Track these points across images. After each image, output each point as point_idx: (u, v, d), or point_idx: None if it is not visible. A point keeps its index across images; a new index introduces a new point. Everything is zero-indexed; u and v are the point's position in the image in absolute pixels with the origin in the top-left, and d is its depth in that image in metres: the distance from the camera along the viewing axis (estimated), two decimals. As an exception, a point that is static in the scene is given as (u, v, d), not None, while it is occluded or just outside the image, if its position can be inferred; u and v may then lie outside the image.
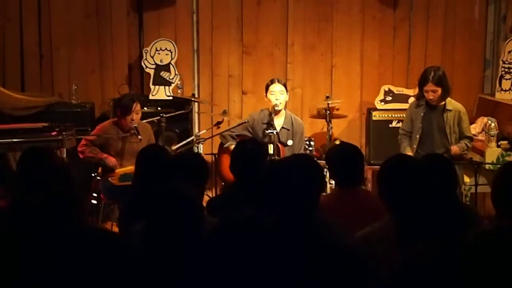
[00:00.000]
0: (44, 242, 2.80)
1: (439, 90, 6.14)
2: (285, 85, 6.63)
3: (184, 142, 6.73)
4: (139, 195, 4.23)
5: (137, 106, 6.36)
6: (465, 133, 6.24)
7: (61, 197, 3.04)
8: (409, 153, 6.19)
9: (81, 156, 6.39)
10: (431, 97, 6.17)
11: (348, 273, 2.55)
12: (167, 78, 7.48)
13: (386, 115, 7.52)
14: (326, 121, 7.00)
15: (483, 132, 6.90)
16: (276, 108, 6.49)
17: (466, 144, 6.21)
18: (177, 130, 7.32)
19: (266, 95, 6.58)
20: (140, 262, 2.84)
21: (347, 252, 2.68)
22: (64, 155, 6.07)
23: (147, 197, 3.15)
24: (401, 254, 2.39)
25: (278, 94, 6.51)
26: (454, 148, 6.09)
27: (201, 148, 6.73)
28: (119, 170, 6.02)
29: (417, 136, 6.28)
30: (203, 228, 3.03)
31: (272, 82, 6.57)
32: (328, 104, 7.04)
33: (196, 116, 7.83)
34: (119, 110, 6.37)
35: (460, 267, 2.23)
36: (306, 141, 6.94)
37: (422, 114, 6.27)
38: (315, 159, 6.17)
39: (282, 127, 6.59)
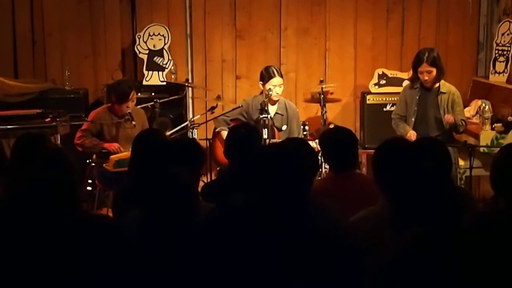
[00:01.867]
0: (41, 228, 2.80)
1: (434, 71, 6.15)
2: (281, 75, 6.62)
3: (178, 127, 6.73)
4: (134, 181, 4.22)
5: (134, 94, 6.35)
6: (459, 116, 6.25)
7: (57, 184, 3.04)
8: (411, 131, 6.18)
9: (80, 149, 6.32)
10: (426, 78, 6.18)
11: (343, 256, 2.56)
12: (161, 64, 7.46)
13: (380, 99, 7.52)
14: (320, 105, 7.00)
15: (477, 115, 6.90)
16: (274, 99, 6.51)
17: (462, 121, 6.22)
18: (171, 116, 7.32)
19: (264, 85, 6.53)
20: (137, 248, 2.84)
21: (342, 236, 2.68)
22: (58, 142, 6.06)
23: (143, 183, 3.15)
24: (396, 238, 2.39)
25: (278, 88, 6.50)
26: (448, 116, 6.07)
27: (195, 134, 6.71)
28: (114, 156, 6.00)
29: (412, 119, 6.29)
30: (198, 214, 3.03)
31: (273, 74, 6.50)
32: (322, 88, 7.03)
33: (190, 101, 7.82)
34: (116, 96, 6.33)
35: (456, 251, 2.24)
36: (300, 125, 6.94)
37: (417, 97, 6.28)
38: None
39: (276, 113, 6.59)
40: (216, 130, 6.75)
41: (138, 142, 4.55)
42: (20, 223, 2.87)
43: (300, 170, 3.25)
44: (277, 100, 6.60)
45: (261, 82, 6.58)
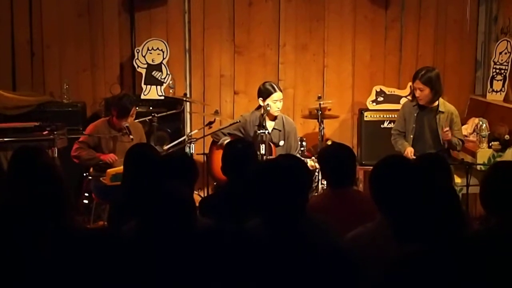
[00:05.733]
0: (34, 241, 2.79)
1: (427, 90, 6.16)
2: (281, 90, 6.61)
3: (176, 142, 6.73)
4: (128, 195, 4.22)
5: (134, 110, 6.35)
6: (456, 136, 6.26)
7: (49, 197, 3.03)
8: (409, 148, 6.20)
9: (76, 161, 6.33)
10: (418, 95, 6.21)
11: (339, 273, 2.55)
12: (159, 78, 7.47)
13: (377, 116, 7.53)
14: (318, 121, 7.00)
15: (475, 133, 6.92)
16: (275, 114, 6.51)
17: (459, 140, 6.24)
18: (169, 130, 7.32)
19: (264, 100, 6.49)
20: (134, 261, 2.83)
21: (338, 253, 2.68)
22: (56, 155, 6.05)
23: (138, 196, 3.15)
24: (395, 254, 2.39)
25: (279, 102, 6.50)
26: (446, 133, 6.08)
27: (193, 148, 6.70)
28: (111, 170, 6.00)
29: (411, 136, 6.31)
30: (195, 228, 3.03)
31: (273, 90, 6.47)
32: (320, 104, 7.04)
33: (188, 116, 7.82)
34: (117, 110, 6.32)
35: (454, 267, 2.24)
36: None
37: (415, 114, 6.29)
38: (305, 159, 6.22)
39: (274, 128, 6.57)
40: (219, 142, 6.68)
41: (128, 157, 4.56)
42: (8, 237, 2.85)
43: (294, 187, 3.24)
44: (276, 116, 6.58)
45: (260, 98, 6.53)
